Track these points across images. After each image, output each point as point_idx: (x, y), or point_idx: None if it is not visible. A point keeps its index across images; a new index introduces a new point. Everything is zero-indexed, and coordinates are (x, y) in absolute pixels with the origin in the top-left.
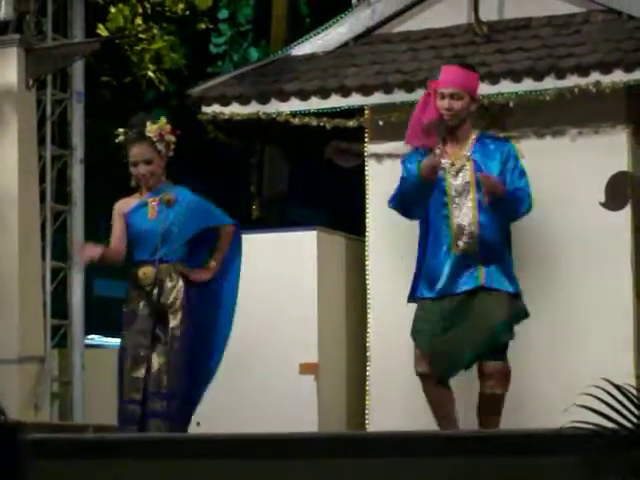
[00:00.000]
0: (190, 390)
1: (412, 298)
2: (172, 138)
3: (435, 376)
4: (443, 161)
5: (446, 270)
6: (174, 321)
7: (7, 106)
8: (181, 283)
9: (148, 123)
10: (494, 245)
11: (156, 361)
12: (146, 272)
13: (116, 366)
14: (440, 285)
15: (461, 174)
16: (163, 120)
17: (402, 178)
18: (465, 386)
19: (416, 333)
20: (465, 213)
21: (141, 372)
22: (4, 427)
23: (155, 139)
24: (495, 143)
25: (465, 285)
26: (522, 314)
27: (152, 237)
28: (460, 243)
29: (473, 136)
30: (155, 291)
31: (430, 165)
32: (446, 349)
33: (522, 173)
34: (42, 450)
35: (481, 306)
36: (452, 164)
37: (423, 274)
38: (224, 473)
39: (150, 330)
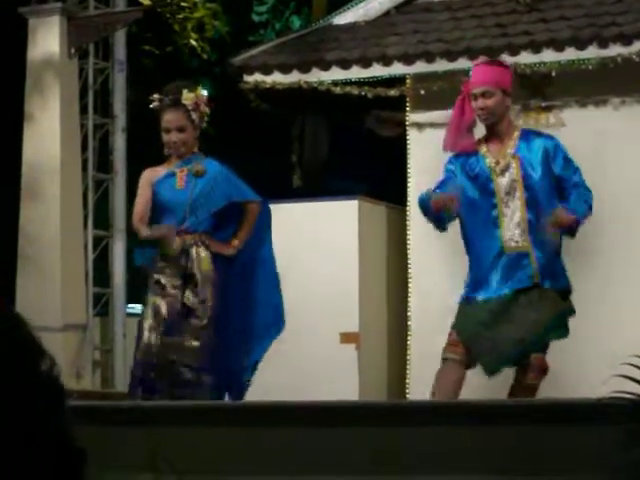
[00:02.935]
0: (220, 360)
1: (464, 301)
2: (207, 109)
3: (485, 370)
4: (487, 161)
5: (499, 271)
6: (203, 293)
7: (49, 75)
8: (208, 253)
9: (185, 91)
10: (545, 242)
11: (185, 333)
12: (169, 242)
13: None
14: (493, 287)
15: (507, 173)
16: (200, 90)
17: (441, 182)
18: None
19: (460, 325)
20: (514, 212)
21: (163, 339)
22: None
23: (190, 107)
24: (540, 139)
25: (519, 284)
26: (570, 312)
27: (179, 207)
28: (512, 243)
29: (516, 133)
30: (182, 261)
31: (440, 202)
32: (494, 345)
33: (576, 168)
34: (83, 417)
35: (533, 303)
36: (497, 162)
37: (473, 278)
38: (263, 441)
39: (179, 300)
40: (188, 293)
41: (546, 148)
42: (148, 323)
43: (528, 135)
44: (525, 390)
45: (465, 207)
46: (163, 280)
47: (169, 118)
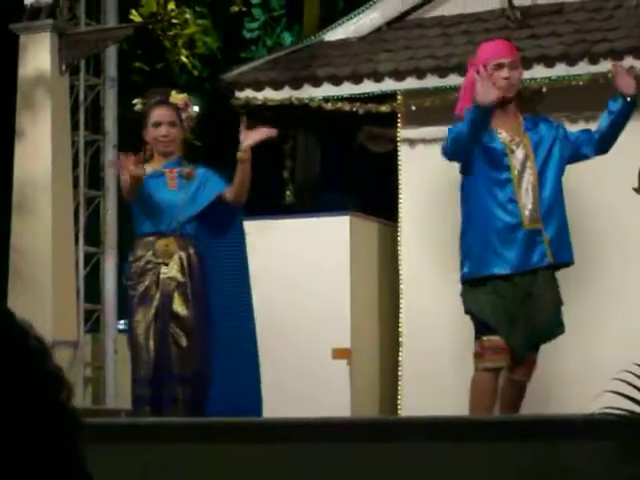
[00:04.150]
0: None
1: (478, 277)
2: (194, 113)
3: (515, 354)
4: (501, 136)
5: (517, 247)
6: (193, 299)
7: (40, 91)
8: (197, 258)
9: (173, 92)
10: (556, 217)
11: (180, 341)
12: (168, 244)
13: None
14: (513, 261)
15: (520, 149)
16: (186, 95)
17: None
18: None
19: (491, 318)
20: (527, 188)
21: (158, 348)
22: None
23: (180, 106)
24: (542, 120)
25: (538, 262)
26: (561, 303)
27: (172, 208)
28: (529, 218)
29: (520, 114)
30: (175, 265)
31: (483, 87)
32: (522, 328)
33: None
34: None
35: (547, 291)
36: (512, 139)
37: (483, 254)
38: (257, 457)
39: (170, 305)
40: (179, 300)
41: (551, 130)
42: (141, 338)
43: (531, 118)
44: (515, 387)
45: (477, 180)
46: (151, 285)
47: (160, 112)
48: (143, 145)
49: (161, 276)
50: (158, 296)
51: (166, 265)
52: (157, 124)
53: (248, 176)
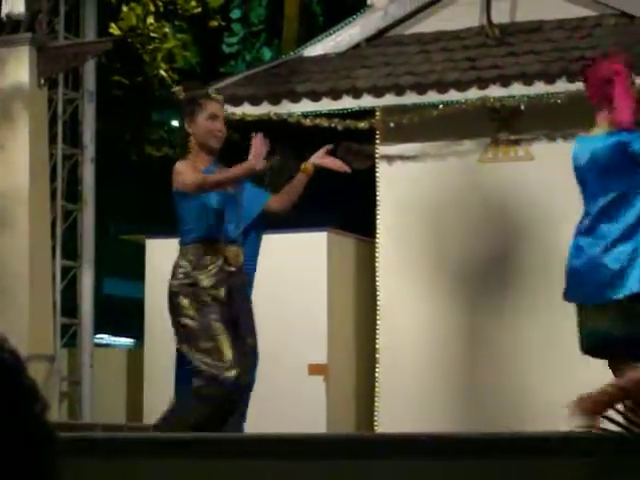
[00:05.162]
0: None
1: None
2: None
3: None
4: None
5: None
6: (249, 306)
7: (19, 105)
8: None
9: (210, 89)
10: None
11: (247, 348)
12: (237, 253)
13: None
14: None
15: None
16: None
17: None
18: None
19: None
20: None
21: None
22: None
23: (223, 106)
24: None
25: None
26: None
27: (233, 214)
28: None
29: None
30: (237, 274)
31: None
32: None
33: None
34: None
35: None
36: None
37: None
38: (233, 473)
39: (239, 314)
40: (246, 309)
41: None
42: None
43: None
44: None
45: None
46: (220, 296)
47: (218, 106)
48: (185, 137)
49: (226, 285)
50: (231, 304)
51: (234, 274)
52: (215, 117)
53: (303, 188)
